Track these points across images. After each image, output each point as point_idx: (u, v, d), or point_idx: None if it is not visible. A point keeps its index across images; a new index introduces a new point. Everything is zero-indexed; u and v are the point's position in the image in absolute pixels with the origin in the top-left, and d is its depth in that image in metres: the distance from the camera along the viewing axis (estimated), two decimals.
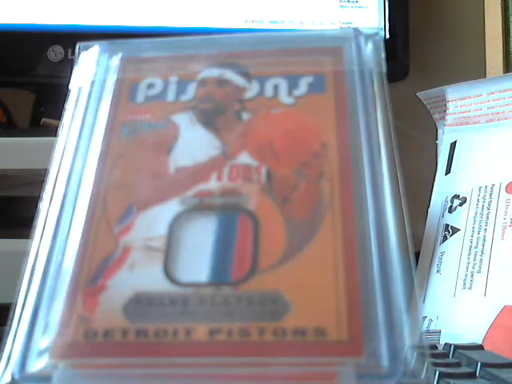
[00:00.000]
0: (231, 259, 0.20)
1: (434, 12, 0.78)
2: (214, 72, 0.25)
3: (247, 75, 0.25)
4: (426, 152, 0.65)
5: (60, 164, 0.23)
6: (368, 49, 0.24)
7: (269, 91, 0.24)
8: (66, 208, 0.22)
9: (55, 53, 0.64)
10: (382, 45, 0.24)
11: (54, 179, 0.23)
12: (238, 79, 0.25)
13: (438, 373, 0.27)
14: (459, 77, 0.61)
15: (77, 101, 0.25)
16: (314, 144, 0.23)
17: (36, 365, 0.19)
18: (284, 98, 0.24)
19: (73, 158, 0.23)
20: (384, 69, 0.23)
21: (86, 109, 0.24)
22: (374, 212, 0.21)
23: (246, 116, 0.24)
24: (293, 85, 0.24)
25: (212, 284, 0.20)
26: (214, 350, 0.19)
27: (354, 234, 0.20)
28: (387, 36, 0.67)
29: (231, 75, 0.25)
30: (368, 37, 0.24)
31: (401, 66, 0.68)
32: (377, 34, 0.24)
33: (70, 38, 0.68)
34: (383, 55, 0.23)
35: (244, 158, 0.23)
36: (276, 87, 0.24)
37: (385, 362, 0.18)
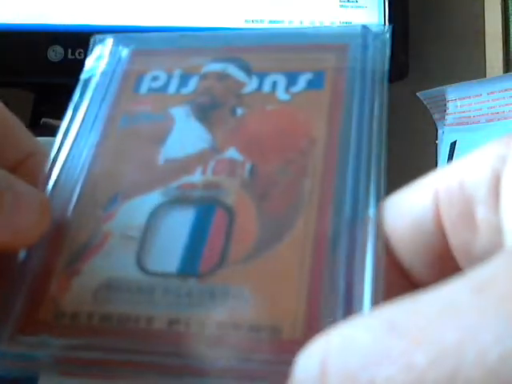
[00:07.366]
0: (201, 252, 0.20)
1: (433, 12, 0.78)
2: (216, 66, 0.25)
3: (249, 70, 0.25)
4: (425, 152, 0.66)
5: (59, 149, 0.24)
6: (374, 47, 0.24)
7: (267, 87, 0.24)
8: (57, 192, 0.22)
9: (55, 53, 0.64)
10: (389, 43, 0.23)
11: (52, 164, 0.23)
12: (239, 74, 0.24)
13: None
14: (459, 77, 0.61)
15: (84, 91, 0.25)
16: (302, 141, 0.22)
17: (8, 341, 0.19)
18: (281, 94, 0.24)
19: (72, 145, 0.24)
20: (386, 67, 0.22)
21: (92, 98, 0.25)
22: (351, 212, 0.20)
23: (240, 111, 0.23)
24: (291, 81, 0.24)
25: (179, 275, 0.20)
26: (172, 340, 0.19)
27: (326, 234, 0.20)
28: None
29: (233, 70, 0.25)
30: (376, 35, 0.24)
31: (400, 66, 0.68)
32: (386, 31, 0.24)
33: (70, 38, 0.68)
34: (388, 53, 0.23)
35: (232, 153, 0.22)
36: (275, 83, 0.24)
37: None
